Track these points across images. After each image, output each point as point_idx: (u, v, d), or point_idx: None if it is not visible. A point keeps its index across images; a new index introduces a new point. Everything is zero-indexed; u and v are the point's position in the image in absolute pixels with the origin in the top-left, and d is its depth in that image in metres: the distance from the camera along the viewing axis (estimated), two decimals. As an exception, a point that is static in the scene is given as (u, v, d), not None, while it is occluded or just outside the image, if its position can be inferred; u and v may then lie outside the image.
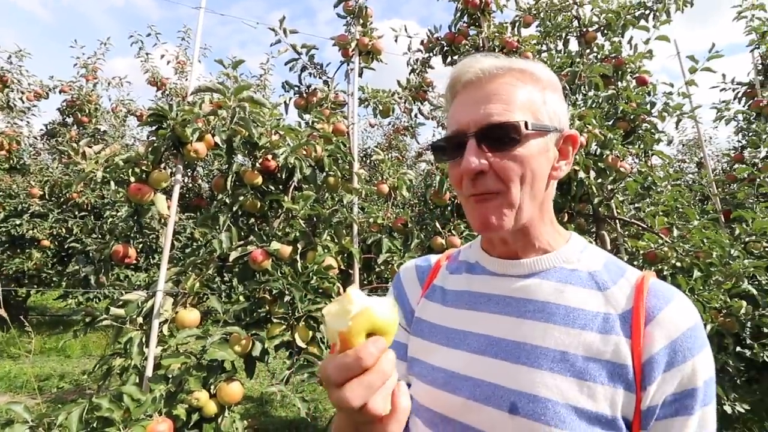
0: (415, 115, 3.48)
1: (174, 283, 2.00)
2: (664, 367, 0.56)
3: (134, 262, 2.08)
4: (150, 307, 1.88)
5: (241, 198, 2.11)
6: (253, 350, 1.88)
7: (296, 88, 2.79)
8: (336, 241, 2.28)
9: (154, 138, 2.02)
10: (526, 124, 0.60)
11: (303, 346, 1.93)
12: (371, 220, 2.55)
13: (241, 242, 2.09)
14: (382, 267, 2.41)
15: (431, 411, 0.66)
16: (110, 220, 4.74)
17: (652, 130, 3.36)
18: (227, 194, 2.15)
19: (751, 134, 4.15)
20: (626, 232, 3.15)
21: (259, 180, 2.13)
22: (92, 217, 5.19)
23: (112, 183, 1.96)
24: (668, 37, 3.33)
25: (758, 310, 2.42)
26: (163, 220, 2.04)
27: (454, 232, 2.53)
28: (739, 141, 4.45)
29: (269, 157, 2.15)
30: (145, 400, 1.58)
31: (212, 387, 1.76)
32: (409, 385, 0.70)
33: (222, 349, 1.79)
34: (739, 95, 4.55)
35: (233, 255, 2.04)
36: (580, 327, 0.60)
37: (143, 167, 1.98)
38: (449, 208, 2.67)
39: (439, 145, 0.68)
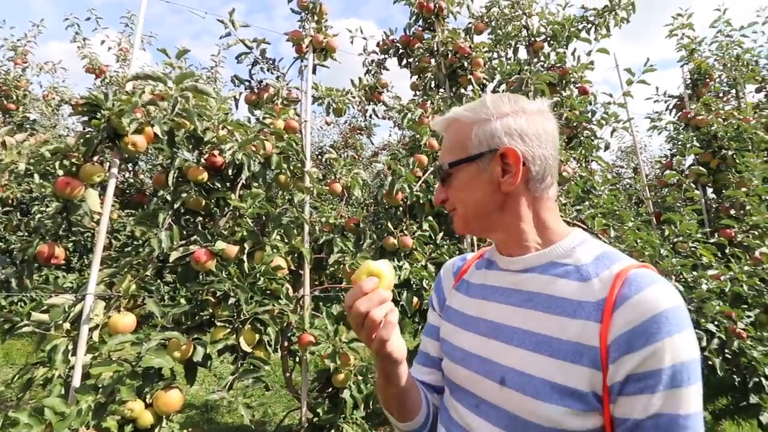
0: (370, 116, 3.47)
1: (107, 285, 1.86)
2: (625, 349, 0.62)
3: (62, 262, 1.92)
4: (79, 312, 1.74)
5: (184, 195, 2.00)
6: (195, 355, 1.79)
7: (247, 83, 2.69)
8: (286, 240, 2.22)
9: (88, 128, 1.87)
10: (448, 164, 0.79)
11: (248, 350, 1.86)
12: (323, 219, 2.51)
13: (183, 241, 1.99)
14: (334, 267, 2.37)
15: (451, 381, 0.84)
16: (38, 216, 4.36)
17: (592, 137, 3.56)
18: (169, 191, 2.03)
19: (679, 143, 4.48)
20: (569, 234, 3.30)
21: (205, 176, 2.03)
22: (18, 213, 4.75)
23: (36, 176, 1.79)
24: (608, 49, 3.54)
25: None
26: (95, 218, 1.89)
27: (406, 232, 2.54)
28: (669, 149, 4.80)
29: (215, 152, 2.06)
30: (70, 412, 1.46)
31: (148, 396, 1.66)
32: (441, 359, 0.90)
33: (159, 356, 1.68)
34: (670, 107, 4.92)
35: (174, 255, 1.93)
36: (560, 314, 0.69)
37: (74, 160, 1.83)
38: (401, 208, 2.68)
39: None
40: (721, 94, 4.82)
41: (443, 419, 0.84)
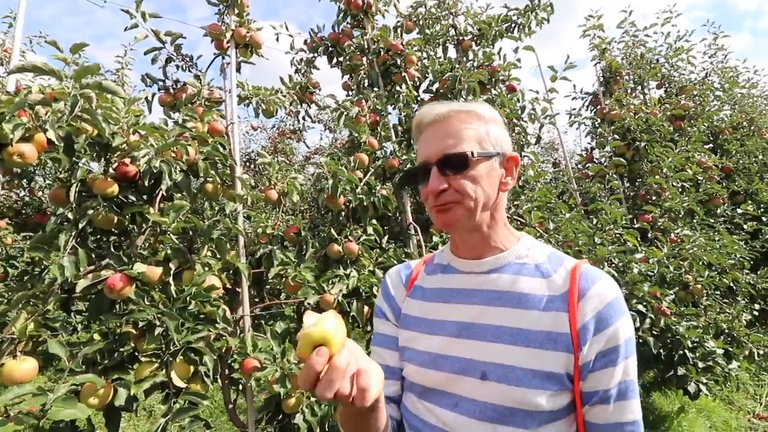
0: (303, 118, 3.29)
1: (-6, 327, 1.53)
2: (593, 332, 0.72)
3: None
4: (-44, 364, 1.40)
5: (91, 212, 1.70)
6: (116, 399, 1.52)
7: (161, 83, 2.40)
8: (219, 256, 1.99)
9: (-43, 138, 1.52)
10: (472, 153, 0.78)
11: (182, 385, 1.61)
12: (259, 230, 2.30)
13: (93, 266, 1.69)
14: (275, 282, 2.17)
15: (421, 386, 0.83)
16: None
17: (524, 134, 3.66)
18: (71, 208, 1.72)
19: (597, 137, 4.79)
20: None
21: (115, 189, 1.75)
22: None
23: None
24: (533, 47, 3.66)
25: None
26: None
27: (350, 237, 2.40)
28: (588, 143, 5.12)
29: (127, 160, 1.78)
30: (-53, 496, 1.15)
31: (57, 458, 1.37)
32: (401, 369, 0.89)
33: (71, 406, 1.40)
34: (587, 103, 5.25)
35: (82, 283, 1.63)
36: (530, 308, 0.76)
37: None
38: (344, 213, 2.53)
39: (412, 173, 0.86)
40: (629, 90, 5.23)
41: (414, 426, 0.84)
